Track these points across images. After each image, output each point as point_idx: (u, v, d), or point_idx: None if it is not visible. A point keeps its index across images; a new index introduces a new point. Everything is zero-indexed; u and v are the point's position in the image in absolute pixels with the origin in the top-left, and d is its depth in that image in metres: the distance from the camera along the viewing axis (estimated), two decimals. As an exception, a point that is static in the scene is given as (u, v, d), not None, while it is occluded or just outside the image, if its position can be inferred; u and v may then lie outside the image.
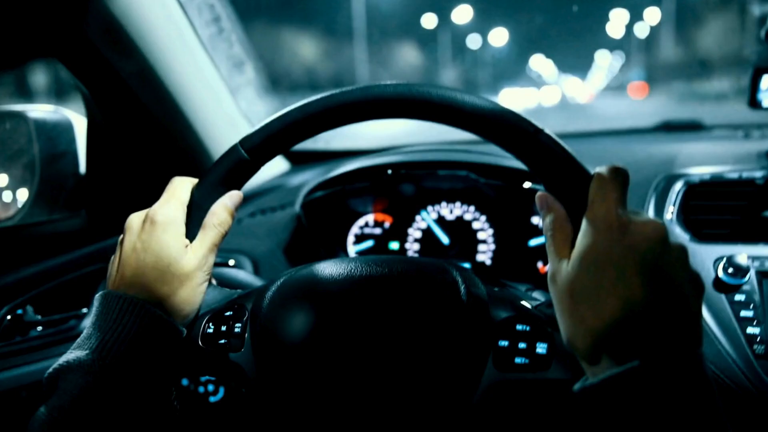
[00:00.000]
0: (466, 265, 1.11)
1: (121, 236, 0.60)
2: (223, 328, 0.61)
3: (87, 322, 0.57)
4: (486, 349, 0.56)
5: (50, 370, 0.52)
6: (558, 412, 0.55)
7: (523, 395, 0.55)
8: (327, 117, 0.58)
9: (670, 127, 1.51)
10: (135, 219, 0.60)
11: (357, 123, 0.58)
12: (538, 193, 0.54)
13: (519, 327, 0.56)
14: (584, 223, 0.48)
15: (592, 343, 0.46)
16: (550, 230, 0.52)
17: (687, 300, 0.45)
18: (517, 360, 0.55)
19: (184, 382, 0.65)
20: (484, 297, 0.59)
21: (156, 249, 0.56)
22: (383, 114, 0.57)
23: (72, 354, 0.53)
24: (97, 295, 0.57)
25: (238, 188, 0.62)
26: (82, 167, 1.04)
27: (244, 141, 0.60)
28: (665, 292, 0.44)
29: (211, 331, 0.61)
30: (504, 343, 0.56)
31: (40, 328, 0.95)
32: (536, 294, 0.71)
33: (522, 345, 0.56)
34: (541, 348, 0.55)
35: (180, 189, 0.61)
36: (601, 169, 0.50)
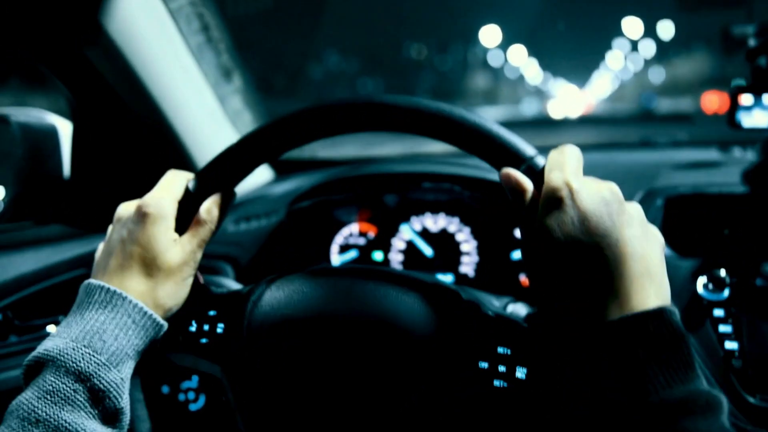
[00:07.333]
0: (449, 276, 1.12)
1: (111, 225, 0.59)
2: (206, 327, 0.60)
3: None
4: (465, 370, 0.56)
5: (29, 358, 0.52)
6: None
7: (501, 417, 0.55)
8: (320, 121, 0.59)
9: (652, 143, 1.54)
10: (125, 208, 0.59)
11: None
12: (503, 171, 0.55)
13: (500, 350, 0.56)
14: (542, 195, 0.50)
15: (561, 307, 0.47)
16: (525, 209, 0.53)
17: (648, 254, 0.47)
18: (496, 383, 0.55)
19: (165, 389, 0.64)
20: (467, 317, 0.59)
21: (143, 240, 0.56)
22: (338, 130, 0.59)
23: (51, 342, 0.52)
24: (81, 285, 0.56)
25: (233, 187, 0.62)
26: (66, 172, 1.03)
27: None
28: (626, 249, 0.46)
29: (194, 329, 0.60)
30: (484, 365, 0.56)
31: (18, 333, 0.94)
32: (518, 306, 0.72)
33: (502, 368, 0.55)
34: (520, 372, 0.55)
35: (174, 182, 0.60)
36: (554, 150, 0.53)
